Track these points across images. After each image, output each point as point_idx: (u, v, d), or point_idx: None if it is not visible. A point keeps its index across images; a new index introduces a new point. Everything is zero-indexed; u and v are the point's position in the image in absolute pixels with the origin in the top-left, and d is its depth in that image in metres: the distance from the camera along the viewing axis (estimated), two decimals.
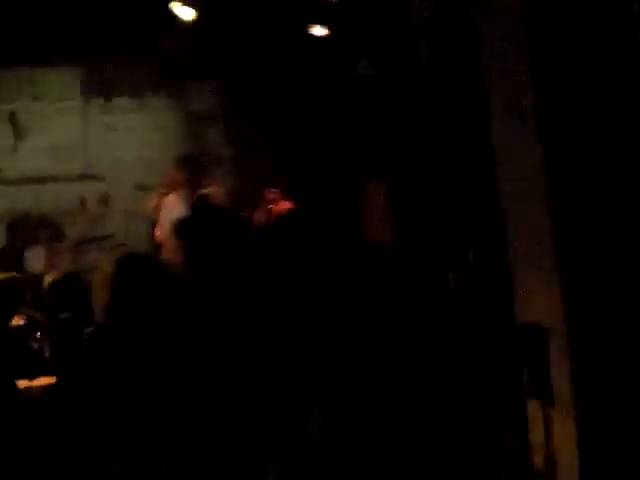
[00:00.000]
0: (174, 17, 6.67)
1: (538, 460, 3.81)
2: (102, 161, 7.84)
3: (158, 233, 6.54)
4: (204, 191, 6.35)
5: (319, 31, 6.76)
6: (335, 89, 7.02)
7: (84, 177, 7.84)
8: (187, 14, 6.59)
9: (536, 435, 3.84)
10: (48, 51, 7.25)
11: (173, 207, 6.32)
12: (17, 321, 4.44)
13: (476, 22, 4.22)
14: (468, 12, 4.35)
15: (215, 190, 6.56)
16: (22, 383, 3.49)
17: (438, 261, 4.79)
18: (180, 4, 6.50)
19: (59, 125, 7.83)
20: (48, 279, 4.76)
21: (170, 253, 5.26)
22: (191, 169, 6.77)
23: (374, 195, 6.33)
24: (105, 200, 7.89)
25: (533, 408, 3.91)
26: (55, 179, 7.74)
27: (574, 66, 3.50)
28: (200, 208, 4.82)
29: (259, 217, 7.07)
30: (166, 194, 6.66)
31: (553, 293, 3.61)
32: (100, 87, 7.88)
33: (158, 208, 6.69)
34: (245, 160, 7.81)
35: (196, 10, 6.55)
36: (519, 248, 3.98)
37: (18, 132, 7.87)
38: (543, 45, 3.56)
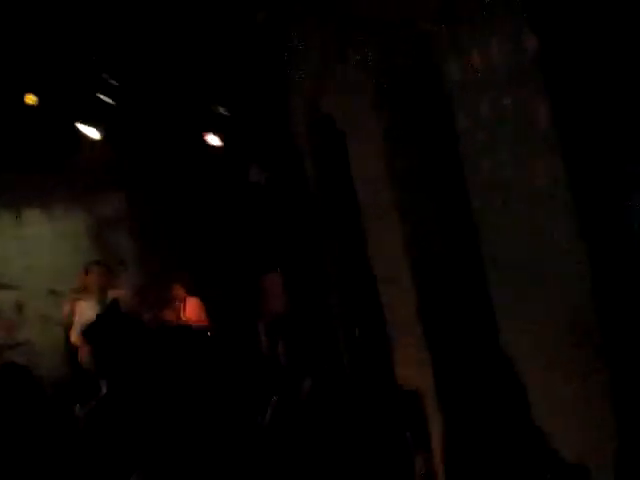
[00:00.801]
0: (82, 135, 7.13)
1: None
2: (14, 270, 8.00)
3: (73, 337, 6.75)
4: (114, 294, 6.61)
5: (214, 141, 7.37)
6: (231, 194, 7.72)
7: None
8: (93, 134, 7.05)
9: None
10: None
11: (86, 311, 6.53)
12: None
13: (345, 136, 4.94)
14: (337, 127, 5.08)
15: (124, 292, 6.88)
16: None
17: (326, 336, 5.40)
18: (86, 125, 6.96)
19: None
20: None
21: (85, 356, 5.61)
22: (100, 273, 7.04)
23: (271, 283, 7.21)
24: (19, 307, 7.98)
25: (418, 462, 4.46)
26: None
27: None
28: (103, 315, 5.29)
29: (168, 314, 7.51)
30: (78, 299, 6.92)
31: (423, 363, 4.23)
32: (10, 202, 8.13)
33: (71, 313, 6.92)
34: (151, 262, 8.18)
35: (100, 130, 7.03)
36: (394, 325, 4.60)
37: None
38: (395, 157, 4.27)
